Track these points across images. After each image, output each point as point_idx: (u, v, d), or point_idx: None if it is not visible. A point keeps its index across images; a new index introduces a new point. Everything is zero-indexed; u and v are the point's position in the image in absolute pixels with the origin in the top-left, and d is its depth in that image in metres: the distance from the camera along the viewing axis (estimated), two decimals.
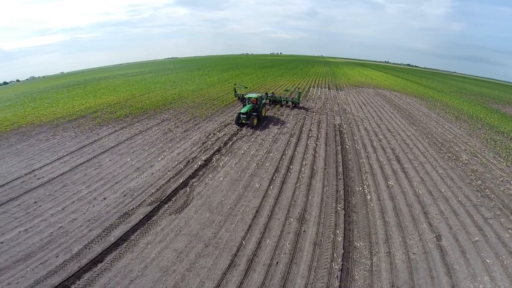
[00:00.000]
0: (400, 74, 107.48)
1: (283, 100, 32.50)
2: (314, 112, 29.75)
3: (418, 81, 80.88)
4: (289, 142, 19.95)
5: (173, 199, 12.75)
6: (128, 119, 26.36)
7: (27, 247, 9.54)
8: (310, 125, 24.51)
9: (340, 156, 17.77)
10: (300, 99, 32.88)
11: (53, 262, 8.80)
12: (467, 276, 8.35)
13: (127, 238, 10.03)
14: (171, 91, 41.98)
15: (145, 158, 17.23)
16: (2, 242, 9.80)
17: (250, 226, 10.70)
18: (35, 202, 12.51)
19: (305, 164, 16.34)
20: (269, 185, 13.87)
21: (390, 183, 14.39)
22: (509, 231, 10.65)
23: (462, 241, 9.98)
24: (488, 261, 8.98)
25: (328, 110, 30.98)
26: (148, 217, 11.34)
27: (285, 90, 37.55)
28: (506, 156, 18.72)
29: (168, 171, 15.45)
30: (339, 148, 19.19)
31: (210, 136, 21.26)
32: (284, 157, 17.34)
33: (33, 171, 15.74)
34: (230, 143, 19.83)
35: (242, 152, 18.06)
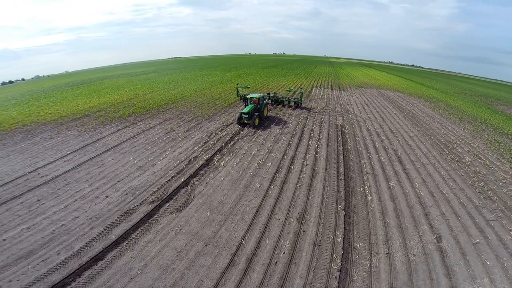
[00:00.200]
0: (404, 75, 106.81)
1: (285, 100, 32.51)
2: (316, 112, 29.70)
3: (422, 82, 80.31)
4: (291, 142, 19.96)
5: (174, 198, 12.83)
6: (131, 118, 26.54)
7: (29, 245, 9.66)
8: (312, 126, 24.48)
9: (341, 156, 17.73)
10: (303, 99, 32.85)
11: (54, 260, 8.91)
12: (466, 278, 8.31)
13: (128, 236, 10.13)
14: (174, 91, 42.17)
15: (147, 157, 17.35)
16: (4, 240, 9.95)
17: (250, 225, 10.74)
18: (38, 200, 12.66)
19: (306, 165, 16.34)
20: (270, 185, 13.90)
21: (391, 184, 14.34)
22: (511, 233, 10.56)
23: (462, 243, 9.92)
24: (488, 263, 8.93)
25: (330, 110, 30.92)
26: (149, 215, 11.44)
27: (287, 90, 37.52)
28: (510, 158, 18.55)
29: (170, 170, 15.54)
30: (340, 148, 19.15)
31: (212, 136, 21.34)
32: (285, 157, 17.36)
33: (36, 169, 15.93)
34: (232, 142, 19.88)
35: (244, 152, 18.10)
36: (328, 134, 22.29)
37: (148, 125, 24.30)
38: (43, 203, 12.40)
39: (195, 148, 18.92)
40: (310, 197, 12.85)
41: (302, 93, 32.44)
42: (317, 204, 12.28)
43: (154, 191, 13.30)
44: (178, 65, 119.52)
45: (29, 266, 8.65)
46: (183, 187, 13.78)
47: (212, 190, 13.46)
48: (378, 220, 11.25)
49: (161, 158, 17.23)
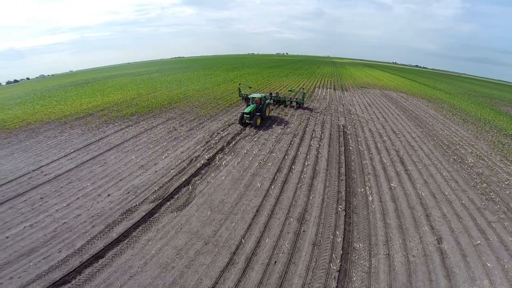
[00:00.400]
0: (407, 75, 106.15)
1: (287, 101, 32.52)
2: (318, 112, 29.66)
3: (426, 83, 79.77)
4: (292, 143, 19.96)
5: (176, 197, 12.91)
6: (134, 117, 26.72)
7: (31, 242, 9.79)
8: (314, 126, 24.46)
9: (343, 157, 17.70)
10: (305, 99, 32.82)
11: (56, 257, 9.02)
12: (466, 280, 8.27)
13: (128, 235, 10.22)
14: (176, 91, 42.35)
15: (150, 156, 17.46)
16: (7, 237, 10.08)
17: (250, 225, 10.78)
18: (41, 198, 12.82)
19: (308, 165, 16.34)
20: (271, 184, 13.92)
21: (392, 185, 14.29)
22: None
23: (463, 245, 9.87)
24: (489, 264, 8.87)
25: (332, 111, 30.85)
26: (150, 214, 11.53)
27: (289, 90, 37.50)
28: None
29: (172, 169, 15.64)
30: (342, 149, 19.11)
31: (213, 135, 21.41)
32: (286, 157, 17.37)
33: (40, 167, 16.11)
34: (233, 142, 19.94)
35: (245, 151, 18.15)
36: (330, 134, 22.26)
37: (150, 124, 24.44)
38: (46, 201, 12.55)
39: (197, 147, 19.00)
40: (311, 197, 12.86)
41: (304, 93, 32.42)
42: (318, 204, 12.28)
43: (155, 190, 13.39)
44: (181, 65, 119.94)
45: (31, 264, 8.76)
46: (184, 186, 13.86)
47: (213, 189, 13.52)
48: (379, 220, 11.23)
49: (163, 157, 17.33)
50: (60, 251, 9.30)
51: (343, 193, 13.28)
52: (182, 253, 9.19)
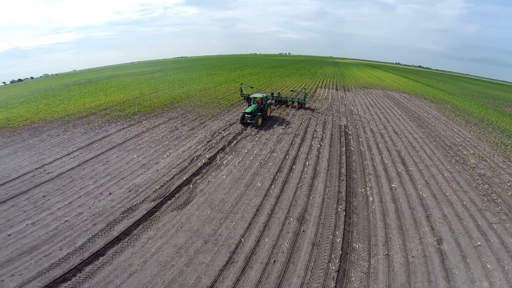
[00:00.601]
0: (410, 76, 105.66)
1: (289, 101, 32.52)
2: (320, 113, 29.63)
3: (429, 83, 79.36)
4: (293, 143, 19.97)
5: (176, 195, 12.98)
6: (136, 117, 26.86)
7: (33, 240, 9.89)
8: (315, 126, 24.44)
9: (344, 157, 17.68)
10: (307, 99, 32.79)
11: (57, 255, 9.11)
12: (465, 281, 8.24)
13: (129, 233, 10.30)
14: (179, 90, 42.50)
15: (151, 155, 17.56)
16: (9, 235, 10.19)
17: (250, 224, 10.82)
18: (44, 196, 12.93)
19: (308, 165, 16.34)
20: (271, 184, 13.95)
21: (393, 185, 14.26)
22: None
23: (463, 246, 9.83)
24: (489, 266, 8.84)
25: (334, 111, 30.81)
26: (151, 212, 11.60)
27: (291, 90, 37.47)
28: None
29: (173, 168, 15.71)
30: (343, 149, 19.09)
31: (215, 135, 21.48)
32: (287, 157, 17.38)
33: (43, 165, 16.26)
34: (235, 142, 19.99)
35: (246, 151, 18.19)
36: (331, 134, 22.24)
37: (152, 123, 24.56)
38: (48, 199, 12.66)
39: (198, 146, 19.08)
40: (311, 197, 12.87)
41: (306, 93, 32.39)
42: (318, 204, 12.29)
43: (156, 189, 13.47)
44: (183, 65, 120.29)
45: (32, 261, 8.85)
46: (185, 185, 13.93)
47: (214, 188, 13.58)
48: (379, 221, 11.21)
49: (165, 156, 17.42)
50: (61, 249, 9.39)
51: (343, 193, 13.28)
52: (182, 252, 9.24)
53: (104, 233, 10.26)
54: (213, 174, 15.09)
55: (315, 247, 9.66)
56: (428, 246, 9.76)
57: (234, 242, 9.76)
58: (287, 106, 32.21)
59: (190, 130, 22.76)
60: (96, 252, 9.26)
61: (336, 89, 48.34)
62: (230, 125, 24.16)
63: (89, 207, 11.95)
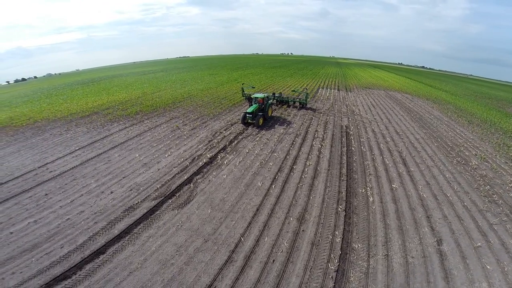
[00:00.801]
0: (413, 76, 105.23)
1: (291, 101, 32.52)
2: (321, 113, 29.61)
3: (432, 84, 79.01)
4: (294, 143, 19.99)
5: (177, 194, 13.06)
6: (139, 116, 27.00)
7: (35, 238, 9.99)
8: (317, 126, 24.44)
9: (345, 157, 17.67)
10: (308, 100, 32.78)
11: (58, 253, 9.20)
12: (464, 282, 8.23)
13: (130, 231, 10.38)
14: (181, 90, 42.64)
15: (153, 154, 17.66)
16: (11, 233, 10.31)
17: (249, 223, 10.86)
18: (46, 194, 13.06)
19: (309, 165, 16.36)
20: (271, 184, 13.98)
21: (394, 186, 14.24)
22: None
23: (463, 246, 9.81)
24: (488, 267, 8.82)
25: (336, 111, 30.77)
26: (151, 211, 11.68)
27: (292, 90, 37.46)
28: None
29: (174, 168, 15.79)
30: (344, 149, 19.08)
31: (216, 135, 21.55)
32: (288, 157, 17.40)
33: (45, 164, 16.40)
34: (236, 141, 20.04)
35: (247, 151, 18.23)
36: (333, 135, 22.22)
37: (154, 123, 24.68)
38: (51, 198, 12.78)
39: (200, 146, 19.15)
40: (311, 197, 12.89)
41: (307, 93, 32.37)
42: (318, 204, 12.31)
43: (157, 188, 13.56)
44: (186, 65, 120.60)
45: (33, 259, 8.95)
46: (186, 184, 14.00)
47: (214, 187, 13.64)
48: (379, 221, 11.21)
49: (166, 155, 17.50)
50: (62, 247, 9.49)
51: (343, 193, 13.28)
52: (182, 250, 9.31)
53: (105, 231, 10.35)
54: (214, 173, 15.15)
55: (314, 246, 9.68)
56: (427, 247, 9.75)
57: (233, 241, 9.80)
58: (289, 106, 32.21)
59: (192, 129, 22.85)
60: (97, 250, 9.35)
61: (338, 90, 48.26)
62: (232, 125, 24.22)
63: (91, 206, 12.05)
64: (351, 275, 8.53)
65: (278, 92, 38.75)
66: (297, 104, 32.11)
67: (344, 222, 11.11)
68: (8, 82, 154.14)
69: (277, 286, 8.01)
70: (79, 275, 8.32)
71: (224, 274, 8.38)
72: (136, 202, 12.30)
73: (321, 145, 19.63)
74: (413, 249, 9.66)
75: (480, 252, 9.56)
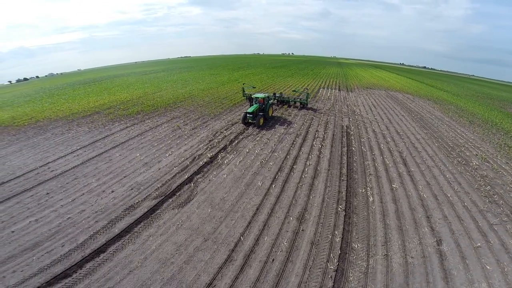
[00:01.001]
0: (414, 77, 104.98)
1: (291, 101, 32.53)
2: (322, 113, 29.60)
3: (433, 84, 78.79)
4: (295, 142, 20.00)
5: (177, 194, 13.11)
6: (140, 116, 27.09)
7: (36, 237, 10.06)
8: (317, 126, 24.44)
9: (345, 157, 17.67)
10: (309, 100, 32.78)
11: (58, 252, 9.27)
12: (464, 282, 8.23)
13: (130, 230, 10.43)
14: (182, 90, 42.72)
15: (154, 154, 17.72)
16: (13, 231, 10.38)
17: (249, 223, 10.89)
18: (47, 194, 13.14)
19: (309, 165, 16.37)
20: (272, 183, 14.01)
21: (394, 186, 14.24)
22: None
23: (463, 247, 9.81)
24: (488, 267, 8.81)
25: (336, 111, 30.75)
26: (152, 210, 11.73)
27: (293, 90, 37.47)
28: None
29: (175, 167, 15.85)
30: (345, 149, 19.08)
31: (217, 134, 21.59)
32: (288, 157, 17.42)
33: (47, 163, 16.50)
34: (236, 141, 20.08)
35: (247, 150, 18.26)
36: (333, 135, 22.23)
37: (155, 122, 24.75)
38: (52, 197, 12.86)
39: (200, 146, 19.20)
40: (311, 197, 12.90)
41: (308, 93, 32.37)
42: (318, 204, 12.32)
43: (158, 187, 13.61)
44: (187, 64, 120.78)
45: (34, 258, 9.01)
46: (186, 184, 14.05)
47: (215, 187, 13.68)
48: (378, 221, 11.22)
49: (167, 155, 17.56)
50: (63, 246, 9.55)
51: (343, 193, 13.29)
52: (182, 249, 9.35)
53: (106, 230, 10.41)
54: (214, 173, 15.19)
55: (314, 246, 9.70)
56: (427, 247, 9.75)
57: (233, 241, 9.84)
58: (289, 106, 32.22)
59: (193, 129, 22.90)
60: (97, 249, 9.41)
61: (339, 90, 48.22)
62: (232, 124, 24.25)
63: (92, 205, 12.12)
64: (351, 274, 8.55)
65: (279, 92, 38.77)
66: (298, 104, 32.12)
67: (344, 222, 11.13)
68: (10, 81, 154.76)
69: (276, 285, 8.04)
70: (80, 273, 8.37)
71: (223, 273, 8.41)
72: (137, 201, 12.36)
73: (322, 145, 19.63)
74: (412, 249, 9.66)
75: (480, 252, 9.55)
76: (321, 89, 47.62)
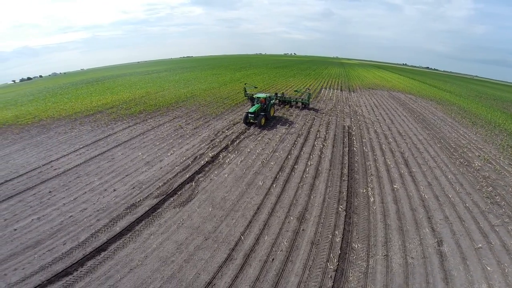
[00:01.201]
0: (417, 77, 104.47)
1: (293, 101, 32.51)
2: (324, 113, 29.57)
3: (436, 85, 78.34)
4: (296, 142, 20.01)
5: (179, 193, 13.17)
6: (142, 115, 27.22)
7: (38, 235, 10.16)
8: (319, 126, 24.42)
9: (346, 158, 17.65)
10: (310, 100, 32.74)
11: (60, 250, 9.35)
12: (464, 283, 8.20)
13: (131, 229, 10.50)
14: (184, 90, 42.84)
15: (155, 153, 17.81)
16: (15, 229, 10.48)
17: (250, 222, 10.92)
18: (50, 192, 13.25)
19: (310, 165, 16.37)
20: (272, 183, 14.03)
21: (395, 186, 14.20)
22: None
23: (464, 248, 9.77)
24: (489, 268, 8.77)
25: (338, 111, 30.71)
26: (153, 209, 11.81)
27: (295, 90, 37.46)
28: None
29: (176, 166, 15.92)
30: (346, 149, 19.05)
31: (218, 134, 21.65)
32: (289, 156, 17.43)
33: (50, 162, 16.63)
34: (238, 141, 20.12)
35: (248, 150, 18.30)
36: (335, 135, 22.20)
37: (157, 122, 24.87)
38: (54, 195, 12.97)
39: (202, 145, 19.26)
40: (312, 197, 12.91)
41: (310, 93, 32.34)
42: (318, 204, 12.33)
43: (159, 186, 13.68)
44: (189, 64, 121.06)
45: (35, 256, 9.09)
46: (187, 183, 14.11)
47: (216, 186, 13.72)
48: (379, 222, 11.20)
49: (169, 154, 17.64)
50: (64, 244, 9.63)
51: (344, 193, 13.28)
52: (182, 248, 9.40)
53: (107, 228, 10.48)
54: (216, 172, 15.24)
55: (314, 246, 9.71)
56: (428, 248, 9.73)
57: (234, 240, 9.88)
58: (291, 106, 32.22)
59: (194, 129, 22.98)
60: (99, 247, 9.48)
61: (341, 90, 48.11)
62: (234, 124, 24.30)
63: (94, 203, 12.21)
64: (350, 274, 8.55)
65: (281, 92, 38.76)
66: (300, 104, 32.10)
67: (344, 222, 11.12)
68: (14, 81, 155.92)
69: (276, 285, 8.06)
70: (80, 271, 8.45)
71: (223, 272, 8.45)
72: (138, 200, 12.44)
73: (323, 145, 19.62)
74: (413, 249, 9.64)
75: (481, 253, 9.51)
76: (323, 90, 47.55)
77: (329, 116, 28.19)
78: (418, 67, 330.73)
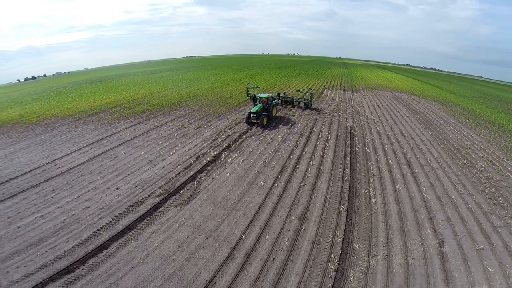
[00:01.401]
0: (420, 78, 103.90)
1: (295, 101, 32.51)
2: (326, 113, 29.54)
3: (440, 85, 77.86)
4: (298, 142, 20.02)
5: (181, 191, 13.24)
6: (145, 114, 27.36)
7: (41, 232, 10.27)
8: (321, 126, 24.41)
9: (348, 158, 17.63)
10: (313, 100, 32.71)
11: (62, 247, 9.45)
12: (465, 284, 8.18)
13: (133, 227, 10.59)
14: (187, 89, 42.99)
15: (158, 152, 17.91)
16: (19, 227, 10.61)
17: (251, 221, 10.97)
18: (53, 190, 13.38)
19: (312, 165, 16.38)
20: (274, 183, 14.06)
21: (397, 187, 14.17)
22: None
23: (466, 249, 9.74)
24: (490, 269, 8.74)
25: (341, 112, 30.65)
26: (155, 207, 11.89)
27: (297, 91, 37.43)
28: None
29: (179, 165, 16.00)
30: (348, 150, 19.03)
31: (221, 133, 21.72)
32: (291, 156, 17.45)
33: (54, 160, 16.80)
34: (240, 141, 20.17)
35: (250, 150, 18.34)
36: (337, 135, 22.17)
37: (160, 121, 24.99)
38: (58, 193, 13.10)
39: (204, 144, 19.34)
40: (313, 197, 12.92)
41: (312, 94, 32.31)
42: (320, 203, 12.34)
43: (162, 185, 13.77)
44: (192, 64, 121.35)
45: (38, 253, 9.19)
46: (189, 182, 14.19)
47: (217, 185, 13.78)
48: (380, 222, 11.19)
49: (171, 153, 17.74)
50: (67, 241, 9.73)
51: (346, 193, 13.29)
52: (184, 246, 9.46)
53: (109, 226, 10.58)
54: (218, 171, 15.31)
55: (315, 246, 9.73)
56: (429, 248, 9.71)
57: (235, 239, 9.92)
58: (293, 106, 32.22)
59: (197, 128, 23.07)
60: (101, 245, 9.57)
61: (344, 90, 47.99)
62: (236, 124, 24.36)
63: (96, 201, 12.32)
64: (351, 275, 8.56)
65: (283, 92, 38.78)
66: (302, 104, 32.09)
67: (346, 222, 11.13)
68: (18, 80, 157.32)
69: (276, 284, 8.10)
70: (82, 269, 8.53)
71: (224, 270, 8.50)
72: (141, 198, 12.53)
73: (325, 146, 19.61)
74: (414, 250, 9.63)
75: (483, 254, 9.48)
76: (325, 90, 47.46)
77: (332, 117, 28.15)
78: (421, 67, 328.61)
